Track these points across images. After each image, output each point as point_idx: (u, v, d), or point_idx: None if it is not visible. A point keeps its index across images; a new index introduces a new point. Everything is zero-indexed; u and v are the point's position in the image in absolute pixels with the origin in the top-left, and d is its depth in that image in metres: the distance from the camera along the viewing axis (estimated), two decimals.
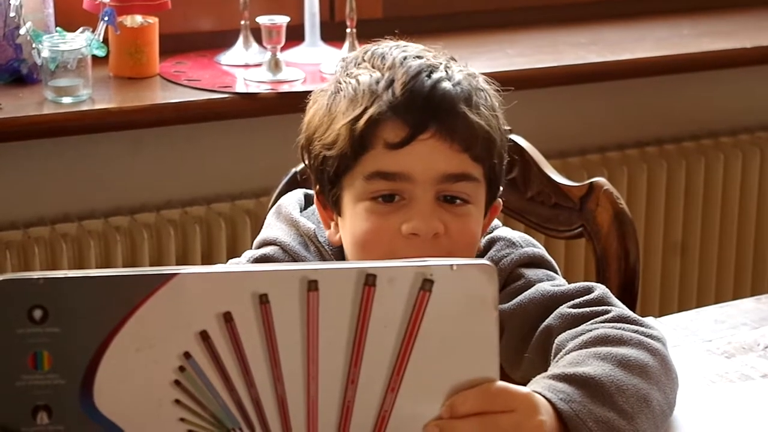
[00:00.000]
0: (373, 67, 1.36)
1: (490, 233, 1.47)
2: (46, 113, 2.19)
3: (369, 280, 1.04)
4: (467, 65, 1.41)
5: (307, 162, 1.42)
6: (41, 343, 1.04)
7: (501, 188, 1.42)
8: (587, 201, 1.70)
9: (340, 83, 1.37)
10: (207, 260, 2.39)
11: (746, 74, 2.83)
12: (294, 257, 1.44)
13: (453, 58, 1.41)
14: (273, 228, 1.49)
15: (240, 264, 1.46)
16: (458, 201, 1.34)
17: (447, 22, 2.72)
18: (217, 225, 2.39)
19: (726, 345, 1.53)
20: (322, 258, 1.43)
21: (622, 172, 2.70)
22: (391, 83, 1.33)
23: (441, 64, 1.36)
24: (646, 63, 2.61)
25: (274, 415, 1.06)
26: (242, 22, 2.43)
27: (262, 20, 2.32)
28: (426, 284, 1.05)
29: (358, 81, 1.35)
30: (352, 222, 1.35)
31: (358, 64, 1.38)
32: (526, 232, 1.57)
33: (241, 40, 2.44)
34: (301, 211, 1.50)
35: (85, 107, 2.21)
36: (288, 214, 1.48)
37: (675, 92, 2.82)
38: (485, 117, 1.35)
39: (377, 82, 1.34)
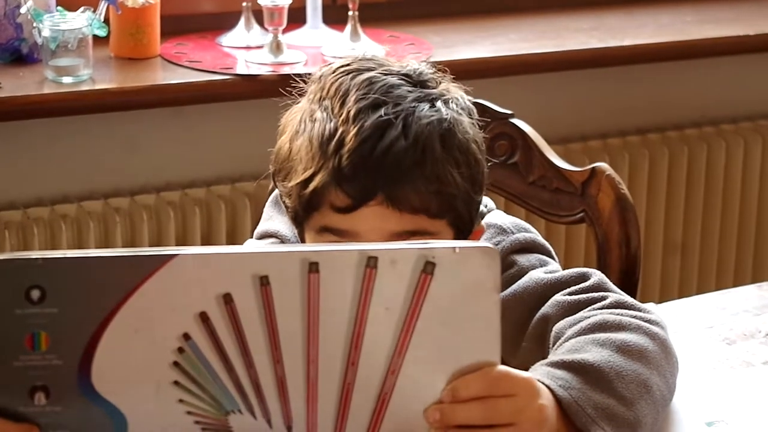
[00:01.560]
0: (332, 112, 1.28)
1: (481, 218, 1.45)
2: (46, 93, 2.18)
3: (370, 262, 1.04)
4: (447, 88, 1.32)
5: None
6: (39, 324, 1.03)
7: (482, 218, 1.39)
8: (589, 186, 1.69)
9: (300, 123, 1.31)
10: (206, 243, 2.39)
11: (748, 61, 2.82)
12: None
13: (430, 81, 1.31)
14: (275, 220, 1.49)
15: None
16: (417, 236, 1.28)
17: (449, 5, 2.71)
18: (217, 207, 2.39)
19: (727, 331, 1.52)
20: None
21: (624, 158, 2.70)
22: (340, 146, 1.26)
23: (401, 114, 1.27)
24: (648, 49, 2.60)
25: (273, 397, 1.06)
26: (244, 4, 2.42)
27: (264, 2, 2.31)
28: (428, 267, 1.04)
29: (313, 130, 1.29)
30: None
31: (322, 99, 1.31)
32: (526, 217, 1.57)
33: (242, 21, 2.43)
34: None
35: (85, 87, 2.20)
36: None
37: (677, 79, 2.81)
38: (443, 174, 1.27)
39: (330, 140, 1.27)
